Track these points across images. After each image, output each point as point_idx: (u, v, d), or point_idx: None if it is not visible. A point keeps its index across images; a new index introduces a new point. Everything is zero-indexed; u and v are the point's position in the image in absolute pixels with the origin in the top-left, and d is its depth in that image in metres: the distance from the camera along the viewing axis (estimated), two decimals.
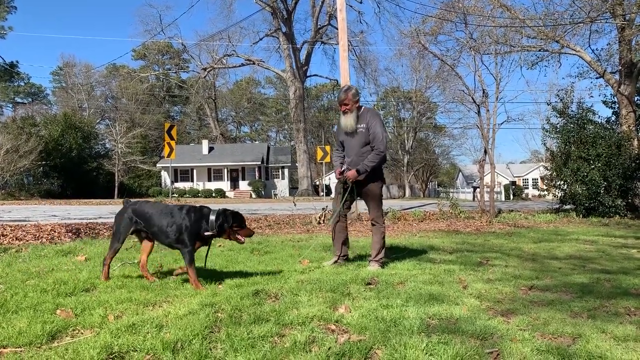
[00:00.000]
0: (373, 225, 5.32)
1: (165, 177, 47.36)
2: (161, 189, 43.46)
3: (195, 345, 2.61)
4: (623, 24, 15.00)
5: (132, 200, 4.35)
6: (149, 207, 4.21)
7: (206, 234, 4.08)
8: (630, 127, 15.37)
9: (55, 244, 6.76)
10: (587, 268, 5.26)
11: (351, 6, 41.64)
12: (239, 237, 4.22)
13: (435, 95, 50.96)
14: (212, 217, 4.07)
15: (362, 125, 5.06)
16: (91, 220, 10.29)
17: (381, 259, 5.16)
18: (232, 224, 4.14)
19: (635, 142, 14.97)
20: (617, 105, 16.60)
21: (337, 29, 14.43)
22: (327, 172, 50.89)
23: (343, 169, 5.27)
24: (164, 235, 4.07)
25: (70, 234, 7.71)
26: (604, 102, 17.66)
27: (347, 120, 5.11)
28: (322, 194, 41.49)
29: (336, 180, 5.42)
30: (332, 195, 5.80)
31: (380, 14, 55.49)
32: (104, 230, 8.48)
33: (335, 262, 5.29)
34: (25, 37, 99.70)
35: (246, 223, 4.32)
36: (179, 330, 2.81)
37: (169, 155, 28.02)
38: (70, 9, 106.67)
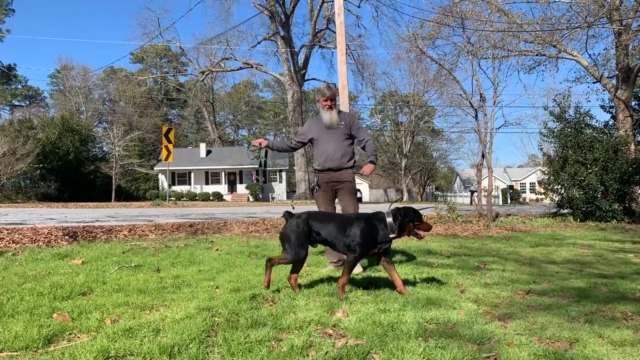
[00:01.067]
0: None
1: (163, 181, 47.27)
2: (158, 192, 43.36)
3: (192, 350, 2.60)
4: (620, 29, 15.07)
5: (294, 212, 4.26)
6: (324, 217, 4.25)
7: (391, 236, 4.04)
8: (627, 132, 15.42)
9: (52, 247, 6.74)
10: (585, 272, 5.27)
11: (349, 10, 41.82)
12: (419, 232, 4.13)
13: (433, 100, 51.05)
14: (390, 219, 4.05)
15: (341, 123, 5.24)
16: (88, 224, 10.27)
17: None
18: (413, 220, 4.08)
19: (633, 147, 15.01)
20: (615, 110, 16.65)
21: (335, 32, 14.46)
22: None
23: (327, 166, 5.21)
24: (341, 244, 4.03)
25: (67, 237, 7.68)
26: (602, 107, 17.72)
27: (333, 116, 5.19)
28: None
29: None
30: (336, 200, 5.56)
31: (378, 18, 55.92)
32: (101, 234, 8.46)
33: (335, 267, 5.23)
34: (23, 40, 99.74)
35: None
36: (176, 335, 2.80)
37: (166, 159, 28.09)
38: (68, 12, 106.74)
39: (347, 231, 4.01)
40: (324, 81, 55.30)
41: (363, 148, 5.40)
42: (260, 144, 5.14)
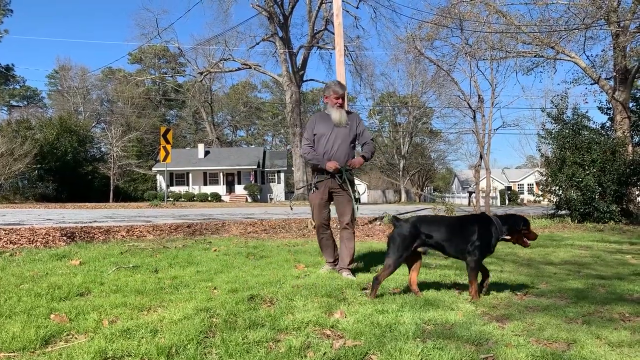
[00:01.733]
0: (346, 229, 5.08)
1: (161, 181, 47.23)
2: (156, 193, 43.31)
3: (190, 351, 2.60)
4: (617, 30, 15.10)
5: (402, 216, 4.30)
6: (434, 221, 4.26)
7: (505, 237, 4.09)
8: (625, 133, 15.44)
9: (50, 247, 6.73)
10: (582, 273, 5.28)
11: (348, 11, 41.80)
12: (526, 240, 4.15)
13: (431, 101, 51.04)
14: (501, 223, 4.10)
15: (349, 122, 5.12)
16: (86, 224, 10.25)
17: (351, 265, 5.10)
18: (523, 228, 4.12)
19: (630, 148, 15.03)
20: (612, 112, 16.68)
21: (333, 33, 14.48)
22: None
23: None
24: (453, 247, 4.05)
25: (65, 238, 7.67)
26: (599, 108, 17.74)
27: (342, 114, 5.05)
28: None
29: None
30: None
31: (377, 19, 55.80)
32: (99, 234, 8.45)
33: (332, 268, 5.16)
34: (21, 40, 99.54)
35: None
36: (173, 335, 2.80)
37: (164, 159, 28.09)
38: (66, 12, 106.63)
39: (461, 234, 4.04)
40: (323, 82, 55.40)
41: (361, 147, 5.29)
42: (336, 165, 4.89)
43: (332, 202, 5.17)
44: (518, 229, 4.09)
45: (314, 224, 11.46)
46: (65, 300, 3.66)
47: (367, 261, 5.92)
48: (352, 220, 5.10)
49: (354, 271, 5.10)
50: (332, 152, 4.99)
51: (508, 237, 4.08)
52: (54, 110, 60.47)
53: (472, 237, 3.98)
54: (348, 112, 5.19)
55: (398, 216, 4.29)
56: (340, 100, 5.08)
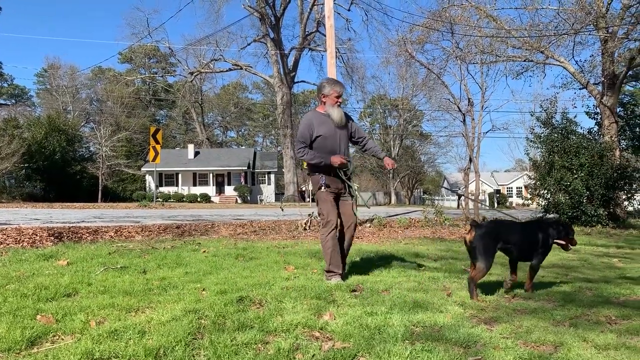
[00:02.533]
0: (349, 231, 4.90)
1: (150, 182, 46.99)
2: (145, 194, 43.09)
3: (178, 352, 2.59)
4: (606, 36, 15.27)
5: (480, 222, 4.48)
6: (510, 225, 4.51)
7: (557, 241, 4.42)
8: (613, 138, 15.60)
9: (37, 248, 6.66)
10: (570, 277, 5.32)
11: (339, 14, 41.93)
12: (570, 245, 4.50)
13: (422, 104, 51.25)
14: (556, 229, 4.44)
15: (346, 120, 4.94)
16: (74, 224, 10.17)
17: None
18: (570, 234, 4.48)
19: (617, 153, 15.19)
20: (600, 116, 16.85)
21: (325, 35, 14.50)
22: None
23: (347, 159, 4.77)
24: (528, 252, 4.34)
25: (52, 238, 7.60)
26: (587, 113, 17.91)
27: (342, 113, 4.82)
28: (308, 199, 41.47)
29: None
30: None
31: (368, 22, 55.99)
32: (87, 235, 8.38)
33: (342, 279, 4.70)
34: (9, 38, 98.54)
35: None
36: (161, 337, 2.78)
37: (154, 159, 27.95)
38: (56, 10, 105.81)
39: (530, 239, 4.32)
40: (314, 84, 55.37)
41: (363, 147, 5.13)
42: (342, 160, 4.68)
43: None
44: (569, 236, 4.46)
45: (303, 225, 11.41)
46: (52, 301, 3.63)
47: (357, 263, 5.92)
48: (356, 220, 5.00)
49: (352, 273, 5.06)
50: (340, 154, 4.75)
51: (562, 242, 4.44)
52: (42, 109, 60.07)
53: (539, 242, 4.32)
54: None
55: (476, 221, 4.58)
56: (340, 100, 4.84)
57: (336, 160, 4.64)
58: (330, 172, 4.75)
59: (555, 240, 4.39)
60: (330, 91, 4.79)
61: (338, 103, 4.82)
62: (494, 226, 4.39)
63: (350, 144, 5.08)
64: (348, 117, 4.96)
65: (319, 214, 4.89)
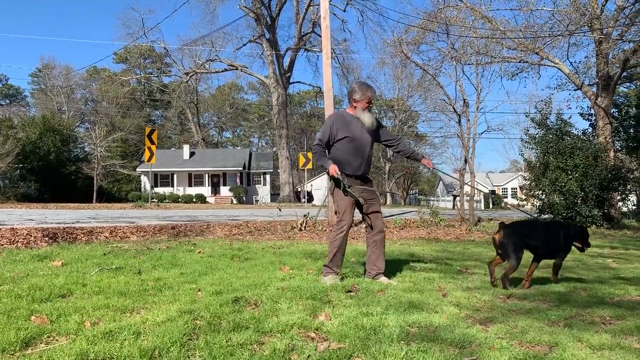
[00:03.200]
0: (381, 232, 4.87)
1: (145, 182, 46.86)
2: (141, 194, 42.95)
3: (173, 353, 2.58)
4: (600, 37, 15.33)
5: (507, 223, 4.82)
6: (533, 225, 4.98)
7: (576, 243, 4.81)
8: (607, 139, 15.68)
9: (31, 248, 6.63)
10: (564, 277, 5.33)
11: (335, 14, 41.91)
12: (585, 247, 4.87)
13: (417, 104, 51.47)
14: (574, 231, 4.85)
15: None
16: (69, 225, 10.13)
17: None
18: (586, 237, 4.87)
19: (612, 154, 15.26)
20: (594, 117, 16.92)
21: (320, 36, 14.50)
22: (309, 179, 50.88)
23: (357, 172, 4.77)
24: (552, 249, 4.73)
25: (46, 239, 7.57)
26: (581, 115, 18.00)
27: (373, 118, 4.79)
28: (303, 200, 41.47)
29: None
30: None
31: (364, 22, 55.78)
32: (82, 235, 8.35)
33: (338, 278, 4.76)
34: (3, 38, 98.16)
35: None
36: (156, 338, 2.77)
37: (149, 160, 27.87)
38: (50, 10, 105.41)
39: (552, 239, 4.67)
40: (310, 84, 55.48)
41: (396, 148, 5.10)
42: (336, 171, 4.61)
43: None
44: (585, 238, 4.83)
45: (299, 226, 11.40)
46: (47, 301, 3.61)
47: (352, 264, 5.93)
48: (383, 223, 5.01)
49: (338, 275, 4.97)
50: (363, 160, 4.75)
51: (578, 245, 4.81)
52: (37, 109, 59.86)
53: (560, 242, 4.69)
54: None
55: (504, 222, 4.81)
56: (370, 104, 4.83)
57: (331, 169, 4.64)
58: (352, 176, 4.76)
59: (574, 243, 4.79)
60: (361, 97, 4.78)
61: (369, 107, 4.82)
62: (519, 227, 4.80)
63: (385, 147, 5.10)
64: (379, 122, 4.97)
65: (335, 212, 4.88)
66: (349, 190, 4.67)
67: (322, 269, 4.88)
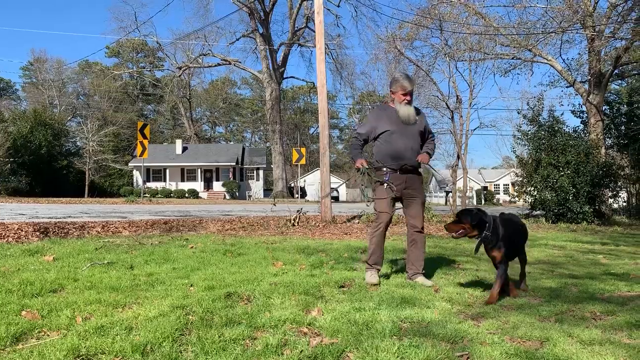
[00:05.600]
0: (420, 232, 4.70)
1: (137, 177, 46.65)
2: (133, 189, 42.77)
3: (166, 348, 2.58)
4: (593, 35, 15.40)
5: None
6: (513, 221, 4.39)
7: None
8: (598, 136, 15.77)
9: (22, 243, 6.59)
10: (556, 273, 5.37)
11: (329, 9, 41.81)
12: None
13: None
14: None
15: (417, 119, 4.69)
16: (60, 220, 10.07)
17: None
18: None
19: (603, 150, 15.36)
20: (586, 114, 17.01)
21: (314, 31, 14.47)
22: (302, 174, 50.85)
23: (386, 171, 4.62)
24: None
25: (38, 233, 7.53)
26: (572, 112, 18.07)
27: (410, 111, 4.60)
28: (296, 195, 41.46)
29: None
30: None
31: (358, 18, 55.82)
32: (73, 230, 8.31)
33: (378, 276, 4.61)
34: None
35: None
36: (148, 333, 2.77)
37: (141, 155, 27.77)
38: (42, 3, 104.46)
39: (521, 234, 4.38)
40: (303, 79, 55.35)
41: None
42: (362, 164, 4.59)
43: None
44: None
45: (292, 221, 11.38)
46: (38, 296, 3.59)
47: (345, 259, 5.93)
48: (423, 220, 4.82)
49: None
50: (406, 153, 4.57)
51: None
52: (28, 103, 59.34)
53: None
54: (416, 108, 4.78)
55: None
56: (408, 97, 4.61)
57: (357, 162, 4.64)
58: (394, 169, 4.62)
59: None
60: (397, 88, 4.62)
61: (406, 100, 4.61)
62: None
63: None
64: (422, 115, 4.80)
65: (375, 209, 4.79)
66: (374, 184, 4.61)
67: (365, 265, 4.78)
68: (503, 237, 3.97)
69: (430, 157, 4.76)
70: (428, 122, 4.96)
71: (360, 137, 4.77)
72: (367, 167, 4.62)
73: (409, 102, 4.63)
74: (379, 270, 4.66)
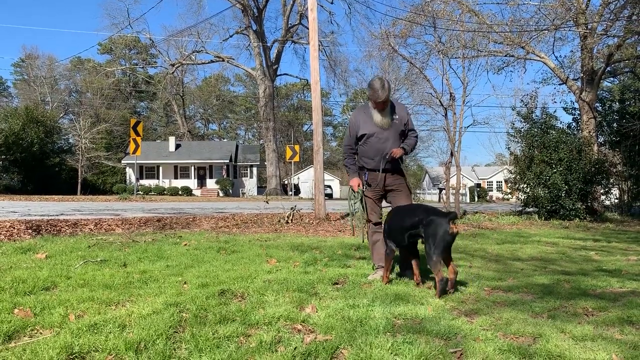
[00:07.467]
0: None
1: (130, 174, 46.45)
2: (126, 186, 42.55)
3: (159, 345, 2.57)
4: (585, 32, 15.46)
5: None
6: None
7: None
8: (591, 133, 15.85)
9: (14, 241, 6.55)
10: (548, 269, 5.40)
11: (322, 6, 41.72)
12: None
13: (404, 98, 51.33)
14: None
15: (396, 117, 4.67)
16: (53, 217, 10.02)
17: None
18: None
19: (595, 148, 15.44)
20: (579, 112, 17.09)
21: (308, 28, 14.46)
22: (296, 172, 50.81)
23: (366, 178, 4.74)
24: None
25: (30, 231, 7.48)
26: (565, 109, 18.18)
27: (384, 118, 4.60)
28: (290, 193, 41.44)
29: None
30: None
31: (351, 15, 55.84)
32: (66, 228, 8.27)
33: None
34: None
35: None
36: (142, 330, 2.76)
37: (134, 152, 27.63)
38: None
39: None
40: (297, 76, 55.25)
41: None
42: (359, 186, 4.68)
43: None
44: None
45: (286, 218, 11.36)
46: (30, 294, 3.57)
47: (339, 256, 5.94)
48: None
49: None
50: (382, 153, 4.62)
51: None
52: (19, 100, 58.87)
53: None
54: (396, 105, 4.77)
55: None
56: (382, 105, 4.57)
57: (353, 184, 4.76)
58: (373, 170, 4.70)
59: None
60: (371, 95, 4.60)
61: (379, 108, 4.60)
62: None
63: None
64: (404, 112, 4.78)
65: (365, 211, 4.86)
66: (364, 195, 4.75)
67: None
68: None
69: (406, 153, 4.76)
70: (411, 118, 4.96)
71: (349, 150, 4.85)
72: (363, 189, 4.73)
73: (383, 109, 4.61)
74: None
